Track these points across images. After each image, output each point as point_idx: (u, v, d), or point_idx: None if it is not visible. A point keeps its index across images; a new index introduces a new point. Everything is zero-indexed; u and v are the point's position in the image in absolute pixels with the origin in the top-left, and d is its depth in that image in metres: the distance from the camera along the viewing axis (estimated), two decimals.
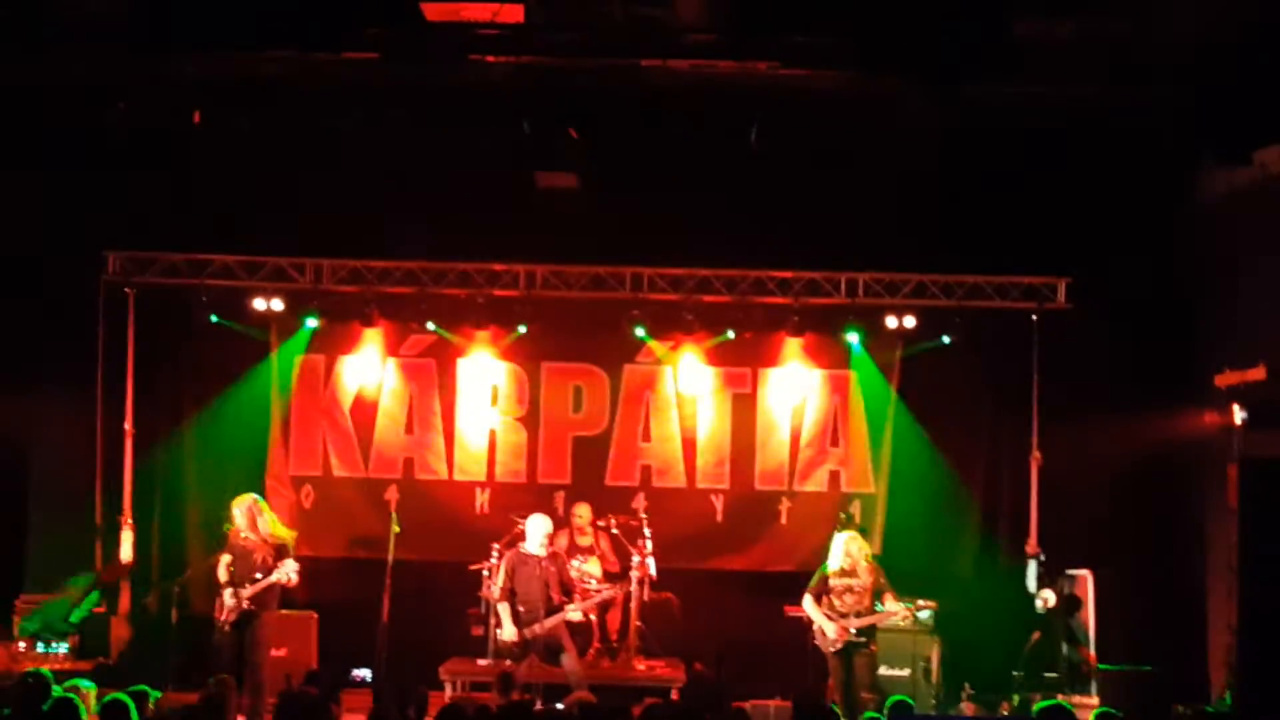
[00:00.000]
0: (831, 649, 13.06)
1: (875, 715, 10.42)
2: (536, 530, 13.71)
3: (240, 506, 13.35)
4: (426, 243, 15.53)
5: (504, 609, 13.60)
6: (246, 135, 13.91)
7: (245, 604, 13.05)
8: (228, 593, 13.23)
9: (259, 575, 13.16)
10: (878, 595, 13.16)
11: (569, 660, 13.63)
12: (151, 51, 12.83)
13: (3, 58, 12.90)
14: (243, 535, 13.30)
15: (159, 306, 15.57)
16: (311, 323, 15.77)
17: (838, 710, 10.83)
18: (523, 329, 15.76)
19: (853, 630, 12.98)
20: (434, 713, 10.02)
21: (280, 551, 13.29)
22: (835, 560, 13.19)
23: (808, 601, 13.28)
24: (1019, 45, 11.99)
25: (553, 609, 13.57)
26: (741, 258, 15.57)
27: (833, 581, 13.17)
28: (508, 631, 13.54)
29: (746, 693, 13.55)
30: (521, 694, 12.01)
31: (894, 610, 13.13)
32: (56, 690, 9.59)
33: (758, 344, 15.96)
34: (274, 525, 13.35)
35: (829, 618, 13.03)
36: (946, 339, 15.50)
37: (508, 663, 13.30)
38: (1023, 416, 15.44)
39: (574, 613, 13.82)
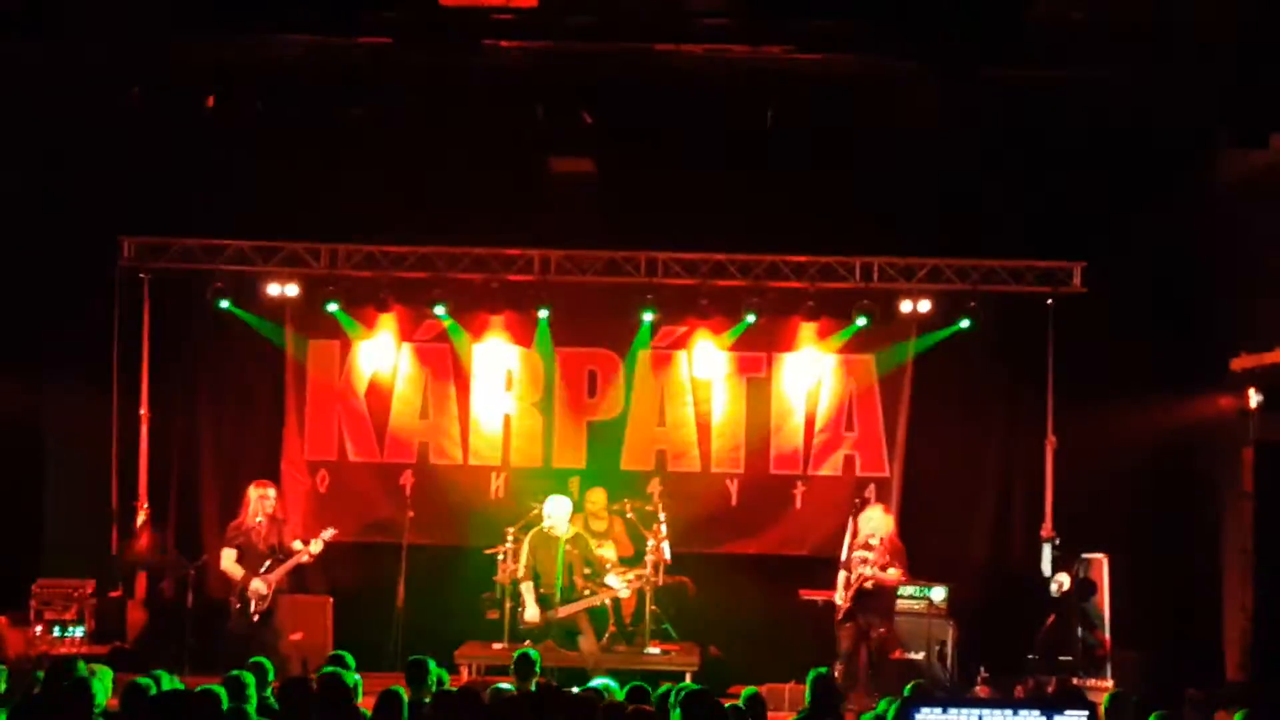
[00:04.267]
0: (836, 617, 13.50)
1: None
2: (558, 511, 13.76)
3: (257, 489, 13.60)
4: (441, 228, 15.54)
5: (527, 589, 13.67)
6: (260, 119, 13.89)
7: (274, 588, 13.30)
8: (256, 583, 13.35)
9: (270, 561, 13.39)
10: (885, 568, 13.61)
11: (586, 643, 13.68)
12: (164, 35, 12.81)
13: (14, 42, 12.88)
14: (257, 521, 13.51)
15: (174, 292, 15.61)
16: (332, 308, 15.75)
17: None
18: (544, 314, 15.75)
19: (840, 600, 13.45)
20: None
21: (287, 533, 13.59)
22: (862, 531, 13.67)
23: (840, 577, 14.02)
24: (1035, 29, 11.94)
25: (571, 593, 13.61)
26: (756, 242, 15.57)
27: (855, 552, 13.63)
28: (530, 612, 13.61)
29: (761, 677, 13.55)
30: (539, 678, 12.01)
31: (891, 577, 13.78)
32: (81, 668, 9.69)
33: (772, 328, 15.95)
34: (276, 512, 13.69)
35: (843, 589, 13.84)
36: (965, 323, 15.47)
37: (527, 644, 13.34)
38: (1038, 400, 15.45)
39: (623, 587, 13.95)
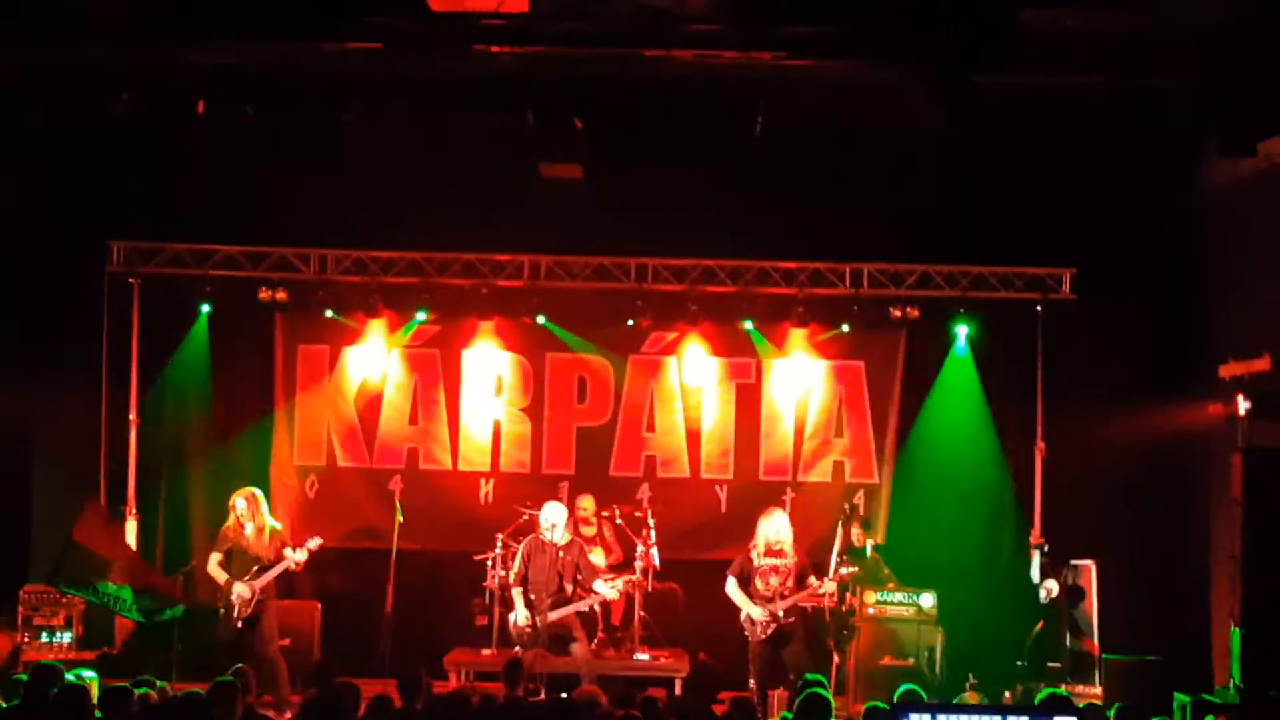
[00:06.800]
0: (761, 635, 13.21)
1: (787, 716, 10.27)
2: (553, 518, 13.73)
3: (241, 498, 13.56)
4: (431, 233, 15.54)
5: (518, 594, 13.65)
6: (250, 125, 13.88)
7: (259, 594, 13.25)
8: (239, 587, 13.33)
9: (257, 568, 13.36)
10: (801, 577, 13.32)
11: (579, 649, 13.65)
12: (155, 40, 12.79)
13: (4, 46, 12.87)
14: (245, 529, 13.48)
15: (163, 297, 15.59)
16: (329, 313, 15.74)
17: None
18: (541, 319, 15.75)
19: (780, 613, 13.14)
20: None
21: (277, 540, 13.53)
22: (761, 539, 13.36)
23: (730, 585, 13.45)
24: (1025, 35, 11.95)
25: (561, 599, 13.59)
26: (745, 248, 15.59)
27: (758, 562, 13.36)
28: (521, 617, 13.59)
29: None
30: (528, 683, 12.01)
31: (816, 586, 13.38)
32: (71, 676, 9.66)
33: (762, 334, 15.96)
34: (266, 519, 13.62)
35: (754, 602, 13.16)
36: (963, 327, 15.50)
37: (516, 650, 13.33)
38: (1027, 407, 15.46)
39: (610, 591, 13.86)
